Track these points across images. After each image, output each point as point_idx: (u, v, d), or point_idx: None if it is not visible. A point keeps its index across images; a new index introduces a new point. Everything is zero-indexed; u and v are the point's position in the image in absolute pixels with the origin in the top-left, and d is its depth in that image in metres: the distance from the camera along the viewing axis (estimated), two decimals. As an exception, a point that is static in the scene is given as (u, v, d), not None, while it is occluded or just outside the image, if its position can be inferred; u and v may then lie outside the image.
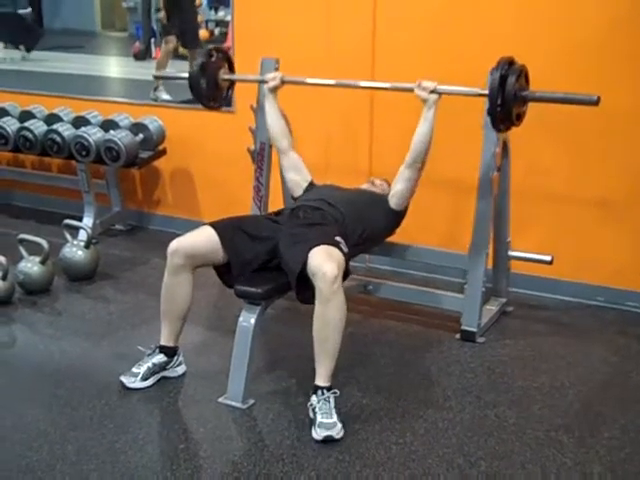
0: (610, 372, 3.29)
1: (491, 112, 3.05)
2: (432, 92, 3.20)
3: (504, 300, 3.83)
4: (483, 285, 3.51)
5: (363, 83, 3.51)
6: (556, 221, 3.95)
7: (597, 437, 2.76)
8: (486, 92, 3.05)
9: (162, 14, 5.01)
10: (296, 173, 3.54)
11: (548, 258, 3.68)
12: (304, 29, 4.30)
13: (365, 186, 3.60)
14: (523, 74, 3.07)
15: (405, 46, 4.06)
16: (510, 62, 3.07)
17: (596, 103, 3.00)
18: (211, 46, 3.62)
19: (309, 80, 3.62)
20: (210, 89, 3.61)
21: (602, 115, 3.70)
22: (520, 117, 3.16)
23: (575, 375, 3.23)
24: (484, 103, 3.22)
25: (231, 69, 3.73)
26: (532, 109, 3.75)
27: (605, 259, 3.89)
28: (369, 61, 4.15)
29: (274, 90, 3.58)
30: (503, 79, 3.00)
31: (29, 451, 2.64)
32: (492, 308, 3.73)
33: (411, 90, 3.25)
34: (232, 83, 3.73)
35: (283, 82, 3.58)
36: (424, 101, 3.22)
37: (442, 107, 3.94)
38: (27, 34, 5.75)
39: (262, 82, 3.64)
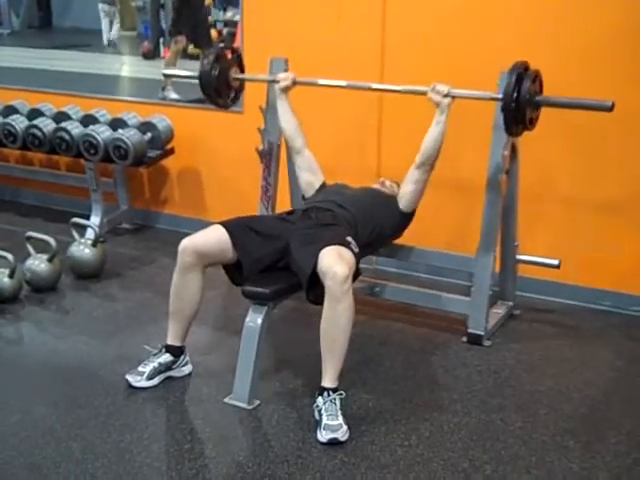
0: (616, 376, 3.28)
1: (505, 112, 3.03)
2: (445, 96, 3.18)
3: (511, 303, 3.82)
4: (490, 288, 3.51)
5: (375, 85, 3.49)
6: (564, 225, 3.94)
7: (603, 442, 2.75)
8: (500, 96, 3.04)
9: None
10: (311, 174, 3.52)
11: (555, 262, 3.67)
12: (313, 29, 4.29)
13: (375, 186, 3.59)
14: (538, 79, 3.07)
15: (414, 46, 4.05)
16: (525, 66, 3.06)
17: (610, 109, 2.99)
18: (224, 45, 3.60)
19: (321, 81, 3.60)
20: (220, 87, 3.59)
21: (612, 118, 3.70)
22: (533, 122, 3.15)
23: (581, 379, 3.22)
24: (494, 106, 3.23)
25: (241, 70, 3.73)
26: (545, 113, 3.75)
27: (612, 264, 3.88)
28: (378, 61, 4.14)
29: (286, 90, 3.56)
30: (518, 82, 2.99)
31: (35, 449, 2.65)
32: (499, 311, 3.72)
33: (424, 93, 3.23)
34: (242, 84, 3.72)
35: (295, 82, 3.56)
36: (437, 104, 3.20)
37: (452, 106, 3.96)
38: None
39: (273, 82, 3.63)
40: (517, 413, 2.94)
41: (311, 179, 3.51)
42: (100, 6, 5.69)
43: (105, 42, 5.68)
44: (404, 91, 3.41)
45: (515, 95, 3.00)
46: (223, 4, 5.16)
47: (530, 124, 3.14)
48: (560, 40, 3.74)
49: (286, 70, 3.75)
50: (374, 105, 4.19)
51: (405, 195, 3.37)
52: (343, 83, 3.54)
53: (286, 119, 3.57)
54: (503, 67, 3.37)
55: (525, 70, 3.05)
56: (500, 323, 3.68)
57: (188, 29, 5.10)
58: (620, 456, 2.68)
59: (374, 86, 3.50)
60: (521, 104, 3.01)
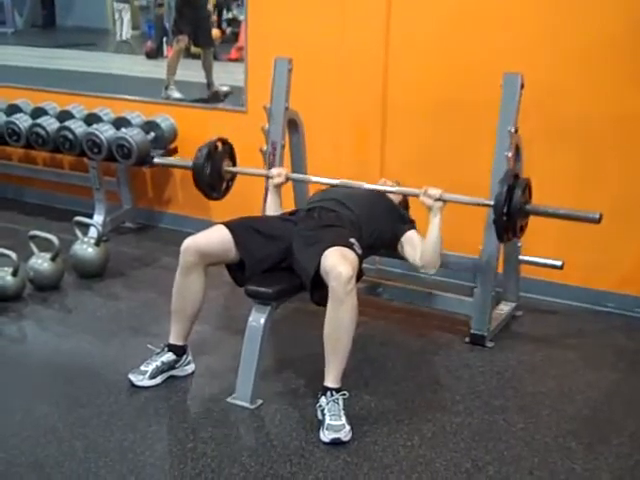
0: (619, 378, 3.28)
1: (497, 223, 3.05)
2: (437, 200, 3.15)
3: (514, 304, 3.82)
4: (493, 289, 3.51)
5: (367, 186, 3.46)
6: (567, 226, 3.92)
7: (606, 444, 2.75)
8: (492, 203, 3.06)
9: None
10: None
11: (558, 263, 3.67)
12: (317, 29, 4.29)
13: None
14: (527, 188, 3.08)
15: (418, 45, 4.06)
16: (515, 175, 3.07)
17: (598, 221, 3.01)
18: (216, 137, 3.59)
19: (314, 178, 3.61)
20: (213, 181, 3.58)
21: (613, 121, 3.70)
22: (523, 229, 3.15)
23: (584, 381, 3.22)
24: (498, 103, 3.23)
25: (233, 162, 3.71)
26: (546, 115, 3.76)
27: (615, 265, 3.88)
28: (382, 61, 4.15)
29: (279, 186, 3.51)
30: (509, 192, 2.99)
31: (37, 448, 2.65)
32: (502, 312, 3.72)
33: (416, 196, 3.21)
34: (234, 175, 3.72)
35: (288, 179, 3.54)
36: (429, 208, 3.17)
37: (455, 107, 3.96)
38: None
39: (267, 177, 3.59)
40: (519, 414, 2.94)
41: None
42: (115, 5, 5.71)
43: (120, 40, 5.70)
44: (397, 192, 3.41)
45: (506, 208, 3.00)
46: (227, 3, 5.16)
47: (520, 231, 3.14)
48: (560, 41, 3.74)
49: (290, 70, 3.75)
50: (378, 103, 4.20)
51: (401, 250, 3.32)
52: (336, 182, 3.48)
53: (269, 214, 3.48)
54: (504, 68, 3.39)
55: (515, 179, 3.05)
56: (503, 324, 3.68)
57: (190, 29, 5.10)
58: (622, 457, 2.68)
59: (366, 186, 3.41)
60: (512, 215, 3.02)
